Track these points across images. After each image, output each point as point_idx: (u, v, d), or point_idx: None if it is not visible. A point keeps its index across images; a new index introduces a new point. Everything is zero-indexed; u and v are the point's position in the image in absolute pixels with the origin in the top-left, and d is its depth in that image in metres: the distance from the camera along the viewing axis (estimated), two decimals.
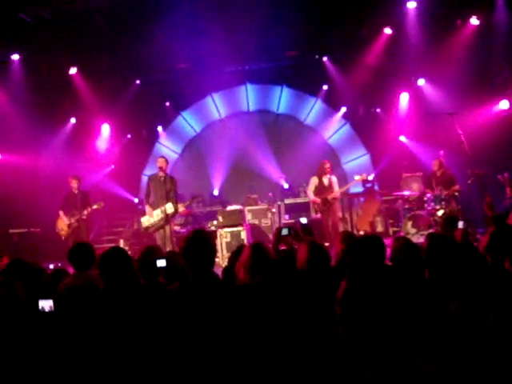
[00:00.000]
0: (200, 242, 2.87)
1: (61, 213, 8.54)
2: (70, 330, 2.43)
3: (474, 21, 9.39)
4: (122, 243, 9.92)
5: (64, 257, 4.08)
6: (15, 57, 9.42)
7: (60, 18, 8.86)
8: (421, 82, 10.59)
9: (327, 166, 8.70)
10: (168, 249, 6.99)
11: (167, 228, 7.60)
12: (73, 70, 10.19)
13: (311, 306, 2.66)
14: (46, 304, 2.55)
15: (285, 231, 4.22)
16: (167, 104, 11.86)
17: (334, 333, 2.45)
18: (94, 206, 8.41)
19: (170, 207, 7.60)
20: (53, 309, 2.54)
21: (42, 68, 9.85)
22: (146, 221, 7.84)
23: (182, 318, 2.75)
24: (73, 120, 11.12)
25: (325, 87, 11.57)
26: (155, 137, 12.20)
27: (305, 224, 4.99)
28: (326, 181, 8.68)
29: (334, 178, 8.78)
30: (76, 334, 2.45)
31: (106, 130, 11.46)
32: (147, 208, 7.83)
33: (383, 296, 1.90)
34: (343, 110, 11.70)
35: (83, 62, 10.13)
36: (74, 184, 8.56)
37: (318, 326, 2.50)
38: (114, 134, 11.56)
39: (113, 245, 9.80)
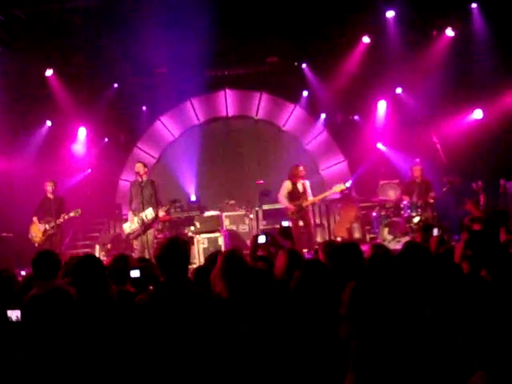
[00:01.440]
0: (174, 250, 2.84)
1: (35, 219, 8.33)
2: (37, 340, 2.36)
3: (450, 32, 9.58)
4: (97, 248, 9.78)
5: None
6: None
7: (35, 18, 8.71)
8: (398, 90, 10.74)
9: (301, 169, 8.37)
10: (147, 256, 6.89)
11: (148, 234, 7.51)
12: (49, 72, 10.03)
13: (292, 316, 2.64)
14: (13, 314, 2.48)
15: (262, 239, 4.18)
16: (144, 108, 11.75)
17: (314, 342, 2.44)
18: (71, 214, 8.22)
19: (150, 212, 7.52)
20: (19, 319, 2.47)
21: (17, 69, 9.65)
22: (127, 227, 7.76)
23: (154, 328, 2.71)
24: (48, 123, 10.93)
25: (305, 93, 11.64)
26: (133, 141, 12.08)
27: (286, 227, 4.94)
28: (299, 186, 8.34)
29: (308, 183, 8.48)
30: (44, 344, 2.38)
31: (82, 133, 11.28)
32: (129, 214, 7.76)
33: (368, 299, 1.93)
34: (323, 116, 11.78)
35: (59, 63, 9.98)
36: (50, 188, 8.38)
37: (299, 335, 2.48)
38: (90, 137, 11.39)
39: (88, 250, 9.68)
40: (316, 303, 2.54)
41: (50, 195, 8.41)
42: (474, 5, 9.20)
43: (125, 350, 2.56)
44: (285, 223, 5.16)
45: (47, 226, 8.23)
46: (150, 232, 7.58)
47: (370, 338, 1.90)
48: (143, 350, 2.58)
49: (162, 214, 7.73)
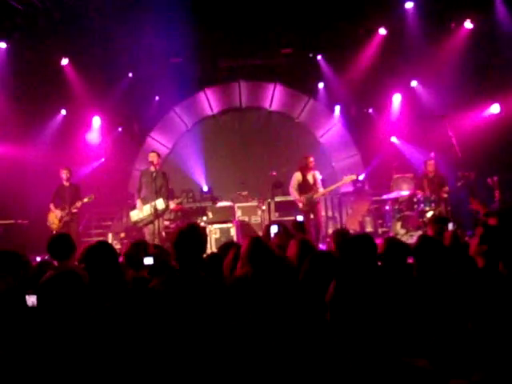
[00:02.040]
0: (193, 237, 2.85)
1: (51, 206, 8.43)
2: (53, 324, 2.39)
3: (468, 24, 9.44)
4: (110, 237, 9.86)
5: None
6: (2, 45, 9.25)
7: (52, 6, 8.75)
8: (414, 83, 10.62)
9: (311, 160, 8.34)
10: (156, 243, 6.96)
11: (157, 223, 7.55)
12: (64, 61, 10.09)
13: (301, 303, 2.64)
14: (29, 299, 2.52)
15: (274, 228, 4.18)
16: (156, 98, 11.76)
17: (325, 330, 2.44)
18: (85, 199, 8.30)
19: (160, 203, 7.55)
20: (35, 304, 2.50)
21: (32, 58, 9.71)
22: (135, 215, 7.80)
23: (168, 313, 2.73)
24: (63, 111, 11.00)
25: (321, 85, 11.55)
26: (146, 131, 12.11)
27: (299, 221, 4.97)
28: (310, 177, 8.33)
29: (318, 174, 8.47)
30: (59, 329, 2.41)
31: (96, 122, 11.34)
32: (138, 202, 7.78)
33: (374, 295, 1.90)
34: (337, 109, 11.70)
35: (74, 52, 10.02)
36: (65, 176, 8.45)
37: (310, 322, 2.48)
38: (104, 126, 11.45)
39: (101, 238, 9.75)
40: (322, 295, 2.54)
41: (65, 183, 8.49)
42: None
43: (137, 336, 2.58)
44: (299, 217, 5.18)
45: (63, 213, 8.32)
46: (160, 221, 7.63)
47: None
48: (154, 336, 2.60)
49: (172, 205, 7.76)
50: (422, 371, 1.80)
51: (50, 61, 10.00)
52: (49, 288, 2.45)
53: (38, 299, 2.62)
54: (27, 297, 2.54)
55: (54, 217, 8.39)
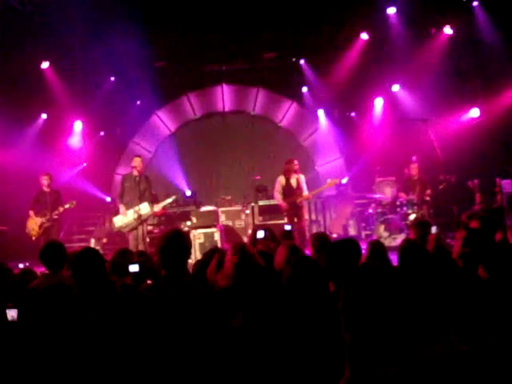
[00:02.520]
0: (178, 242, 2.85)
1: (31, 212, 8.29)
2: (37, 336, 2.35)
3: (448, 30, 9.59)
4: (93, 243, 9.74)
5: (32, 257, 3.97)
6: None
7: (32, 9, 8.63)
8: (395, 87, 10.74)
9: (295, 163, 8.33)
10: (141, 249, 6.90)
11: (140, 228, 7.49)
12: (45, 65, 9.97)
13: (291, 307, 2.64)
14: (9, 313, 2.46)
15: (260, 233, 4.16)
16: (138, 102, 11.66)
17: (305, 338, 2.44)
18: (66, 206, 8.19)
19: (145, 207, 7.50)
20: (15, 319, 2.45)
21: (12, 61, 9.56)
22: (119, 220, 7.71)
23: (156, 320, 2.71)
24: (44, 116, 10.85)
25: (304, 89, 11.60)
26: (129, 135, 12.02)
27: (288, 230, 4.95)
28: (293, 181, 8.32)
29: (303, 178, 8.46)
30: (45, 340, 2.37)
31: (78, 126, 11.21)
32: (121, 207, 7.70)
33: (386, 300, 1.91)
34: (321, 112, 11.75)
35: (55, 56, 9.90)
36: (45, 182, 8.33)
37: (290, 331, 2.48)
38: (86, 131, 11.32)
39: (84, 244, 9.64)
40: (306, 301, 2.54)
41: (45, 188, 8.36)
42: (474, 3, 9.21)
43: (126, 342, 2.56)
44: (287, 227, 5.17)
45: (43, 220, 8.19)
46: (144, 226, 7.57)
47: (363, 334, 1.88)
48: (143, 342, 2.58)
49: (157, 209, 7.71)
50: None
51: (31, 64, 9.86)
52: (39, 300, 2.41)
53: (21, 310, 2.57)
54: (7, 311, 2.49)
55: (34, 223, 8.24)
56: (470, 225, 4.60)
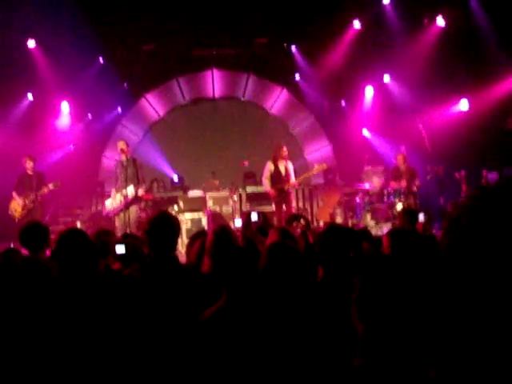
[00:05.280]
0: (166, 225, 2.82)
1: (14, 194, 8.25)
2: (16, 315, 2.31)
3: (441, 21, 9.59)
4: (78, 225, 9.65)
5: (16, 239, 3.91)
6: None
7: None
8: (386, 77, 10.73)
9: (284, 150, 8.35)
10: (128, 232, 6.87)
11: (130, 211, 7.48)
12: (31, 43, 9.76)
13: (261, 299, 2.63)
14: None
15: (254, 216, 4.10)
16: (125, 85, 11.49)
17: (280, 323, 2.43)
18: (50, 186, 8.14)
19: (130, 190, 7.48)
20: None
21: None
22: (109, 204, 7.77)
23: (143, 302, 2.69)
24: (30, 96, 10.64)
25: (297, 76, 11.53)
26: (117, 118, 11.87)
27: (296, 215, 4.87)
28: (282, 168, 8.34)
29: (291, 165, 8.48)
30: (26, 318, 2.34)
31: (65, 108, 11.03)
32: (112, 192, 7.76)
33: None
34: (310, 100, 11.71)
35: (42, 35, 9.69)
36: (29, 164, 8.29)
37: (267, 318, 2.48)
38: (73, 112, 11.14)
39: (69, 227, 9.54)
40: (281, 287, 2.53)
41: (29, 171, 8.33)
42: None
43: (112, 325, 2.54)
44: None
45: (27, 201, 8.15)
46: (133, 210, 7.56)
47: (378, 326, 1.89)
48: (130, 325, 2.56)
49: (141, 192, 7.68)
50: None
51: (16, 43, 9.65)
52: (14, 278, 2.38)
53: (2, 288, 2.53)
54: None
55: (17, 205, 8.22)
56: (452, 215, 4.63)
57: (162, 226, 2.82)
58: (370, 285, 1.92)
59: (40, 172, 8.50)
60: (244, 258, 2.60)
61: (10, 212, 8.23)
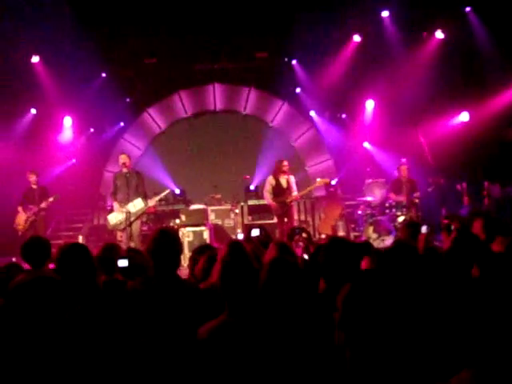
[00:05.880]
0: (167, 243, 2.82)
1: (19, 208, 8.45)
2: (22, 330, 2.31)
3: (439, 34, 9.67)
4: (80, 239, 9.66)
5: (18, 253, 3.90)
6: None
7: (22, 2, 8.55)
8: (387, 90, 10.77)
9: (285, 164, 8.39)
10: (133, 246, 6.86)
11: (133, 225, 7.47)
12: (35, 59, 9.87)
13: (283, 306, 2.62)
14: None
15: (255, 232, 4.09)
16: (127, 100, 11.57)
17: (282, 339, 2.43)
18: (50, 199, 8.33)
19: (139, 203, 7.49)
20: None
21: (1, 54, 9.45)
22: (113, 218, 7.69)
23: (144, 317, 2.69)
24: (33, 111, 10.73)
25: (298, 90, 11.61)
26: (119, 132, 11.94)
27: (298, 228, 4.84)
28: (283, 181, 8.37)
29: (293, 178, 8.51)
30: (29, 335, 2.33)
31: (67, 122, 11.10)
32: (115, 205, 7.72)
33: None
34: (311, 114, 11.77)
35: (45, 50, 9.80)
36: (32, 178, 8.51)
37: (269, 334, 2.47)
38: (76, 127, 11.22)
39: (71, 241, 9.54)
40: (282, 303, 2.53)
41: (33, 185, 8.55)
42: (467, 8, 9.29)
43: (111, 338, 2.53)
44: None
45: (29, 214, 8.35)
46: (136, 223, 7.54)
47: (364, 348, 1.88)
48: (130, 339, 2.56)
49: (152, 203, 7.71)
50: None
51: (21, 58, 9.75)
52: (23, 292, 2.38)
53: (6, 304, 2.53)
54: None
55: (21, 218, 8.41)
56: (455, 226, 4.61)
57: (166, 246, 2.82)
58: (354, 303, 1.90)
59: (43, 186, 8.70)
60: (255, 271, 2.60)
61: (14, 225, 8.40)
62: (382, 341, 1.85)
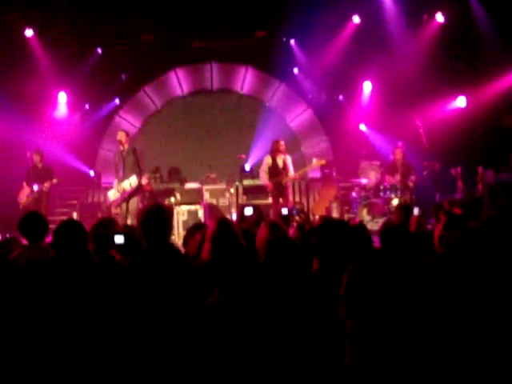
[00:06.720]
0: (156, 217, 2.85)
1: (24, 184, 8.63)
2: (17, 309, 2.34)
3: (440, 17, 9.59)
4: (75, 216, 9.68)
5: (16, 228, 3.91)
6: None
7: None
8: (384, 72, 10.71)
9: (281, 144, 8.41)
10: (129, 223, 6.88)
11: (131, 202, 7.49)
12: (29, 33, 9.71)
13: (268, 286, 2.66)
14: None
15: (248, 211, 4.09)
16: (123, 76, 11.44)
17: (300, 315, 2.46)
18: (54, 181, 8.54)
19: (133, 180, 7.51)
20: None
21: None
22: (112, 195, 7.77)
23: (138, 293, 2.71)
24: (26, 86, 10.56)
25: (295, 70, 11.52)
26: (114, 109, 11.84)
27: (286, 215, 4.83)
28: (280, 161, 8.39)
29: (289, 159, 8.52)
30: (25, 311, 2.36)
31: (62, 98, 10.98)
32: (115, 182, 7.79)
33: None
34: (308, 94, 11.71)
35: (40, 24, 9.64)
36: (36, 158, 8.67)
37: (266, 309, 2.51)
38: (71, 103, 11.11)
39: (66, 217, 9.55)
40: (282, 279, 2.57)
41: (38, 164, 8.72)
42: None
43: (107, 314, 2.56)
44: (284, 211, 5.00)
45: (32, 190, 8.53)
46: (134, 201, 7.56)
47: (366, 321, 1.95)
48: (126, 314, 2.59)
49: (144, 181, 7.70)
50: None
51: (14, 31, 9.58)
52: (20, 275, 2.40)
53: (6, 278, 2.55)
54: None
55: (24, 193, 8.62)
56: (452, 211, 4.66)
57: (155, 219, 2.86)
58: (357, 279, 1.98)
59: (48, 166, 8.84)
60: (244, 248, 2.63)
61: (18, 199, 8.61)
62: (380, 313, 1.93)
